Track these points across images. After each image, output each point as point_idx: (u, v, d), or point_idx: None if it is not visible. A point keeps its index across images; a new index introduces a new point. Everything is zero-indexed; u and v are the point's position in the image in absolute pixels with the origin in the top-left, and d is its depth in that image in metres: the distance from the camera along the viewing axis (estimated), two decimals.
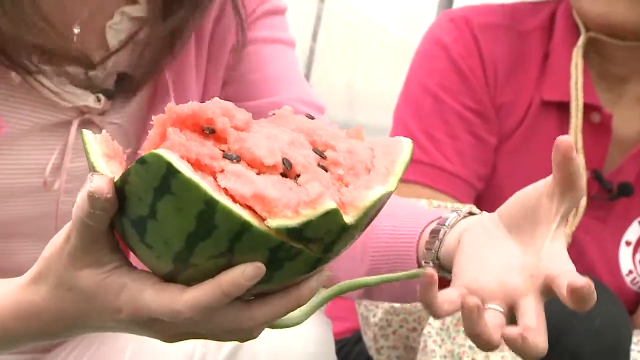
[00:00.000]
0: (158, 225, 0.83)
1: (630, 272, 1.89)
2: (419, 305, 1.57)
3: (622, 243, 1.89)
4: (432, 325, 1.60)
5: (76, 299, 0.90)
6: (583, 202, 1.78)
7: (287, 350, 1.25)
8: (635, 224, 1.89)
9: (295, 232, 0.81)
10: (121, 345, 1.37)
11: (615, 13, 1.71)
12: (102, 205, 0.82)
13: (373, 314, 1.65)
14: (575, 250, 1.83)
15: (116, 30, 1.31)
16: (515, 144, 1.86)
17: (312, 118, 0.98)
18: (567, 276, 1.03)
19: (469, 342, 1.53)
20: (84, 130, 0.88)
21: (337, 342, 1.41)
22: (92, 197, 0.81)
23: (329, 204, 0.81)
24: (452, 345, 1.56)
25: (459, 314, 1.26)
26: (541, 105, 1.85)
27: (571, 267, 1.08)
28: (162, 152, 0.78)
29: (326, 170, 0.89)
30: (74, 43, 1.27)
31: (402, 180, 1.60)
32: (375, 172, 0.91)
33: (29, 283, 0.94)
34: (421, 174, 1.79)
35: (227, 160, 0.84)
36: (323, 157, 0.90)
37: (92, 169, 0.86)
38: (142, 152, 0.82)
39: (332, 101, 3.36)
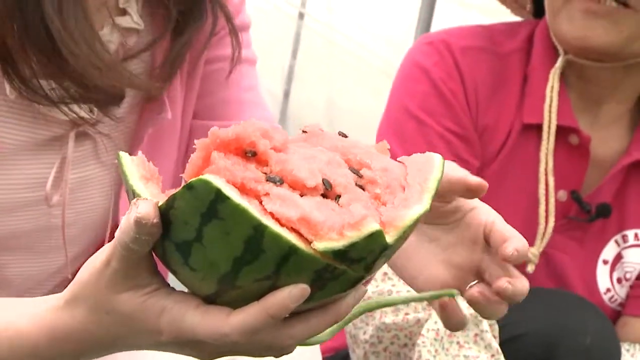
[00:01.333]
0: (204, 249, 0.84)
1: (608, 290, 1.91)
2: (410, 320, 1.60)
3: (600, 262, 1.91)
4: (426, 336, 1.61)
5: (115, 322, 0.92)
6: (551, 224, 1.81)
7: None
8: (611, 243, 1.91)
9: (340, 254, 0.82)
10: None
11: (593, 36, 1.73)
12: (149, 230, 0.83)
13: (363, 331, 1.65)
14: (553, 271, 1.88)
15: (108, 40, 1.32)
16: (498, 167, 1.87)
17: (345, 136, 0.99)
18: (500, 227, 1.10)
19: (463, 352, 1.61)
20: (121, 153, 0.90)
21: None
22: (139, 223, 0.82)
23: (374, 226, 0.82)
24: (445, 356, 1.59)
25: None
26: (522, 129, 1.86)
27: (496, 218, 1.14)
28: (210, 177, 0.80)
29: (363, 189, 0.91)
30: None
31: None
32: (410, 190, 0.93)
33: (63, 306, 0.95)
34: None
35: (270, 184, 0.85)
36: (360, 176, 0.91)
37: (132, 193, 0.87)
38: (186, 177, 0.86)
39: (312, 118, 3.38)
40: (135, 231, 0.83)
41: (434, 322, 1.61)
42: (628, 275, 1.94)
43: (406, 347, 1.65)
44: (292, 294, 0.83)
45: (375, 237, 0.83)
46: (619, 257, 1.94)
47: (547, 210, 1.83)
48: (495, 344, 1.66)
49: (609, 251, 1.93)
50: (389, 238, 0.85)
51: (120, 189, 1.43)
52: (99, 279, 0.90)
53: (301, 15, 3.16)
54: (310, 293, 0.85)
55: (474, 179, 1.09)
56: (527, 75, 1.88)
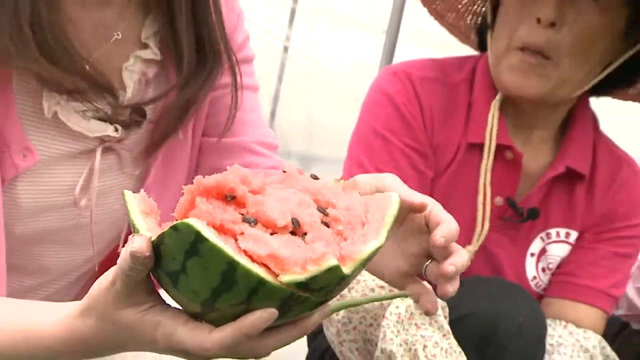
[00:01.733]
0: (188, 279, 0.86)
1: (534, 277, 1.92)
2: (375, 304, 1.62)
3: (528, 255, 1.92)
4: (389, 318, 1.61)
5: (119, 331, 0.93)
6: (486, 227, 1.81)
7: None
8: (538, 239, 1.91)
9: (303, 285, 0.83)
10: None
11: (527, 87, 1.73)
12: (142, 262, 0.84)
13: (336, 313, 1.66)
14: (491, 263, 1.87)
15: (130, 71, 1.32)
16: (447, 179, 1.86)
17: (317, 178, 1.00)
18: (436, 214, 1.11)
19: (420, 332, 1.58)
20: (125, 191, 0.91)
21: None
22: (133, 256, 0.84)
23: (331, 262, 0.83)
24: (406, 335, 1.58)
25: (412, 309, 1.26)
26: (467, 147, 1.86)
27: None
28: (192, 221, 0.81)
29: (328, 226, 0.91)
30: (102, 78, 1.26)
31: None
32: (369, 226, 0.93)
33: (78, 315, 0.96)
34: None
35: (246, 224, 0.86)
36: (326, 215, 0.92)
37: (133, 226, 0.88)
38: (176, 216, 0.87)
39: (294, 135, 3.39)
40: (131, 262, 0.85)
41: (395, 307, 1.61)
42: (550, 266, 1.94)
43: (372, 326, 1.65)
44: (262, 317, 0.85)
45: (333, 271, 0.84)
46: (543, 251, 1.93)
47: (483, 216, 1.83)
48: (446, 325, 1.63)
49: (536, 246, 1.93)
50: (347, 270, 0.87)
51: (138, 191, 1.44)
52: (106, 295, 0.92)
53: (285, 49, 3.13)
54: (278, 315, 0.87)
55: (417, 201, 1.10)
56: (471, 103, 1.88)
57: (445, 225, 1.09)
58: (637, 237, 1.95)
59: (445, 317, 1.65)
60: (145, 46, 1.34)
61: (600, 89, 1.90)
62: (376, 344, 1.63)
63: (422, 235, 1.17)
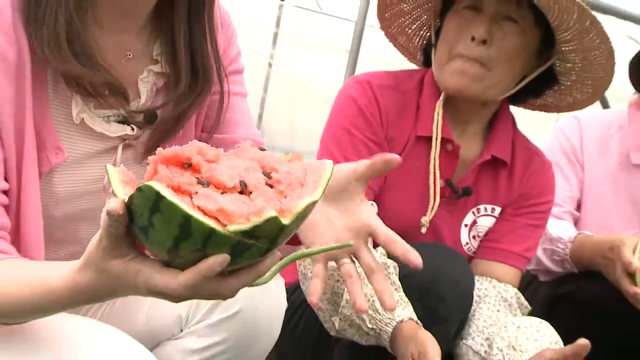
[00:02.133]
0: (154, 232, 0.87)
1: (467, 243, 1.94)
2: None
3: (462, 226, 1.94)
4: None
5: (109, 279, 0.94)
6: (437, 201, 1.84)
7: (259, 294, 1.29)
8: (470, 213, 1.94)
9: (247, 233, 0.85)
10: (141, 300, 1.41)
11: (464, 89, 1.76)
12: (117, 219, 0.87)
13: (310, 270, 1.62)
14: (434, 232, 1.89)
15: (144, 82, 1.32)
16: (400, 164, 1.89)
17: (264, 150, 1.00)
18: (385, 232, 1.22)
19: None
20: (107, 165, 0.93)
21: None
22: (109, 214, 0.87)
23: (270, 213, 0.85)
24: (365, 289, 1.51)
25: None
26: (416, 139, 1.87)
27: (379, 221, 1.26)
28: (152, 183, 0.83)
29: (272, 187, 0.92)
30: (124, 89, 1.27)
31: None
32: (306, 187, 0.94)
33: (78, 270, 0.97)
34: None
35: (200, 185, 0.88)
36: (269, 177, 0.93)
37: (113, 193, 0.90)
38: (143, 182, 0.88)
39: (278, 133, 3.42)
40: (108, 220, 0.87)
41: (357, 266, 1.61)
42: (479, 234, 1.95)
43: (339, 282, 1.64)
44: (216, 260, 0.86)
45: (272, 221, 0.86)
46: (474, 223, 1.95)
47: (435, 193, 1.84)
48: (398, 282, 1.65)
49: (468, 218, 1.95)
50: (286, 220, 0.88)
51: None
52: (97, 252, 0.93)
53: (270, 65, 3.13)
54: (232, 259, 0.88)
55: (388, 157, 1.23)
56: (419, 105, 1.88)
57: (401, 243, 1.22)
58: (545, 211, 1.99)
59: (396, 274, 1.66)
60: (156, 62, 1.34)
61: (517, 98, 1.94)
62: (342, 296, 1.62)
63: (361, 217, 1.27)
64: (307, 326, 1.80)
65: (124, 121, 1.29)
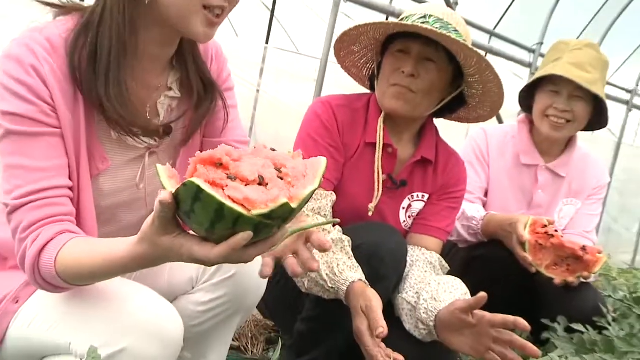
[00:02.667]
0: (195, 216, 0.89)
1: (404, 221, 1.96)
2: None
3: (401, 208, 1.96)
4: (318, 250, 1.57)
5: (161, 251, 0.95)
6: (380, 191, 1.86)
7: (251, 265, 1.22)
8: (406, 199, 1.96)
9: (266, 215, 0.87)
10: (164, 266, 1.41)
11: (399, 109, 1.81)
12: (167, 206, 0.89)
13: None
14: (380, 213, 1.90)
15: (162, 104, 1.32)
16: (352, 163, 1.89)
17: (274, 150, 1.01)
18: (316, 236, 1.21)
19: (335, 256, 1.63)
20: (157, 164, 0.93)
21: None
22: (162, 203, 0.88)
23: (283, 200, 0.88)
24: (326, 257, 1.62)
25: (330, 243, 1.28)
26: (364, 144, 1.89)
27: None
28: (194, 179, 0.85)
29: (282, 179, 0.93)
30: (148, 117, 1.29)
31: None
32: (307, 178, 0.96)
33: (136, 242, 0.98)
34: None
35: (229, 180, 0.89)
36: (280, 172, 0.94)
37: (162, 185, 0.90)
38: (186, 177, 0.88)
39: (266, 142, 3.48)
40: (160, 207, 0.89)
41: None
42: (413, 214, 1.98)
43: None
44: (242, 237, 0.88)
45: (285, 206, 0.88)
46: (409, 206, 1.97)
47: (378, 186, 1.86)
48: (350, 251, 1.67)
49: (405, 203, 1.96)
50: (294, 205, 0.89)
51: None
52: (151, 230, 0.94)
53: (257, 91, 3.10)
54: (253, 236, 0.90)
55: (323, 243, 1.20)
56: (367, 120, 1.91)
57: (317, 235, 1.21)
58: (460, 197, 2.02)
59: (349, 246, 1.68)
60: (170, 89, 1.33)
61: (438, 114, 1.97)
62: None
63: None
64: (286, 284, 1.79)
65: (148, 135, 1.30)
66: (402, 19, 1.83)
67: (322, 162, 1.00)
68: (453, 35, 1.72)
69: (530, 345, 1.43)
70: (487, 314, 1.55)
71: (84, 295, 1.14)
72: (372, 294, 1.53)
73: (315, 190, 0.93)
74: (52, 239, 1.08)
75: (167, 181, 0.91)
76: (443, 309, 1.66)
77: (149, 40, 1.23)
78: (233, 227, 0.88)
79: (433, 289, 1.75)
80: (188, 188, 0.86)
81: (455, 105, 1.96)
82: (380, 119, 1.87)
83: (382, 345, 1.50)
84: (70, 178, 1.16)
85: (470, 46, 1.73)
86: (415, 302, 1.76)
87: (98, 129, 1.22)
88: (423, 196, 2.00)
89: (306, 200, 0.92)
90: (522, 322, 1.46)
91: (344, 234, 1.70)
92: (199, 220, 0.89)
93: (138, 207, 1.37)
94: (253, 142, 3.33)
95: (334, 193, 1.82)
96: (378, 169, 1.87)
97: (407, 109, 1.82)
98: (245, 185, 0.89)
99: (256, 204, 0.87)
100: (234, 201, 0.86)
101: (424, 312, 1.71)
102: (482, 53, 1.87)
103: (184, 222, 0.94)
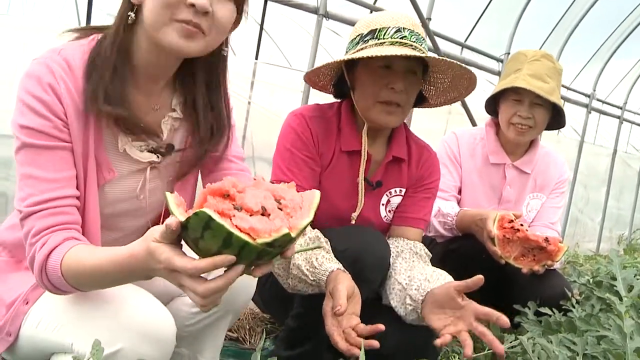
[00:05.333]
0: (203, 242, 0.90)
1: (385, 216, 1.93)
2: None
3: (381, 204, 1.93)
4: (298, 255, 1.61)
5: (145, 253, 0.96)
6: (362, 201, 1.83)
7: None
8: (385, 195, 1.92)
9: (269, 244, 0.89)
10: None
11: (391, 121, 1.77)
12: (172, 231, 0.90)
13: (277, 266, 1.64)
14: (362, 213, 1.86)
15: (165, 124, 1.33)
16: (328, 171, 1.86)
17: (273, 182, 1.03)
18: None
19: (314, 252, 1.60)
20: (166, 193, 0.94)
21: None
22: (167, 226, 0.90)
23: (285, 230, 0.89)
24: (306, 254, 1.61)
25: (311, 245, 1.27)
26: (339, 152, 1.85)
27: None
28: (206, 210, 0.86)
29: (281, 210, 0.95)
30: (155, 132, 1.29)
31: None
32: (304, 209, 0.97)
33: (134, 243, 1.00)
34: None
35: (235, 210, 0.91)
36: (280, 203, 0.96)
37: (170, 212, 0.92)
38: (195, 206, 0.90)
39: (258, 148, 3.46)
40: (166, 230, 0.91)
41: (299, 245, 1.56)
42: (393, 208, 1.95)
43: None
44: (225, 258, 0.89)
45: (286, 235, 0.89)
46: (388, 201, 1.94)
47: (361, 195, 1.84)
48: (330, 248, 1.66)
49: (384, 199, 1.93)
50: (293, 234, 0.91)
51: (170, 192, 1.28)
52: (151, 232, 0.96)
53: (249, 102, 3.17)
54: (255, 260, 0.92)
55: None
56: (341, 128, 1.86)
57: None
58: (434, 187, 1.99)
59: (325, 242, 1.67)
60: (173, 110, 1.34)
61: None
62: (289, 264, 1.62)
63: None
64: (274, 283, 1.77)
65: (152, 151, 1.30)
66: (377, 32, 1.77)
67: (315, 195, 1.01)
68: (424, 46, 1.74)
69: (497, 343, 1.38)
70: (475, 303, 1.53)
71: (86, 298, 1.15)
72: (343, 278, 1.50)
73: (311, 221, 0.95)
74: (59, 245, 1.10)
75: (176, 209, 0.92)
76: (436, 287, 1.61)
77: (145, 60, 1.24)
78: (239, 254, 0.90)
79: (427, 272, 1.71)
80: (200, 217, 0.87)
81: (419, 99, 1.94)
82: (364, 132, 1.83)
83: (354, 323, 1.44)
84: (77, 187, 1.18)
85: (446, 59, 1.72)
86: (407, 283, 1.70)
87: (106, 142, 1.22)
88: (400, 190, 1.97)
89: (303, 230, 0.93)
90: (504, 319, 1.43)
91: (326, 237, 1.68)
92: (207, 246, 0.90)
93: (139, 215, 1.36)
94: (246, 150, 3.29)
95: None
96: (362, 177, 1.84)
97: (398, 122, 1.81)
98: (250, 215, 0.90)
99: (261, 233, 0.88)
100: (241, 230, 0.87)
101: (415, 289, 1.66)
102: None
103: (190, 247, 0.94)
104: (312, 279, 1.57)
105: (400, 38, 1.72)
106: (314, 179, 1.83)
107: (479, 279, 1.51)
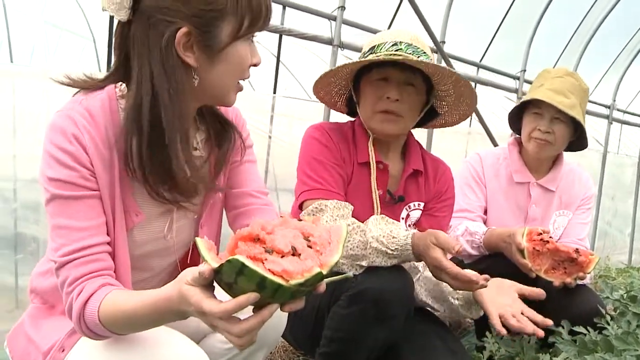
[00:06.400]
0: (237, 286, 0.91)
1: (406, 229, 1.80)
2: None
3: (401, 218, 1.95)
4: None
5: (178, 295, 0.97)
6: (379, 209, 1.86)
7: None
8: (404, 210, 1.95)
9: (301, 284, 0.90)
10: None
11: (388, 131, 1.85)
12: (204, 278, 0.92)
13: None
14: None
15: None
16: (352, 182, 1.89)
17: (300, 220, 1.03)
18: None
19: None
20: (197, 238, 0.95)
21: None
22: (201, 274, 0.92)
23: (316, 270, 0.91)
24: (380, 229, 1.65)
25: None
26: (357, 165, 1.89)
27: None
28: (239, 257, 0.88)
29: (311, 248, 0.96)
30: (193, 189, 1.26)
31: (312, 199, 1.77)
32: (332, 244, 0.98)
33: (167, 285, 1.01)
34: (321, 194, 1.78)
35: (267, 253, 0.92)
36: (309, 241, 0.97)
37: (202, 257, 0.93)
38: (227, 252, 0.92)
39: (279, 179, 3.49)
40: (199, 276, 0.92)
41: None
42: (413, 221, 1.98)
43: (349, 242, 1.64)
44: (249, 297, 0.90)
45: (317, 274, 0.90)
46: (408, 216, 1.97)
47: (376, 203, 1.88)
48: (389, 219, 1.69)
49: (404, 213, 1.96)
50: (324, 271, 0.92)
51: (197, 228, 1.39)
52: (184, 274, 0.98)
53: (270, 137, 3.23)
54: (289, 298, 0.93)
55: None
56: (355, 142, 1.92)
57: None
58: (451, 205, 2.04)
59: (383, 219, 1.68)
60: (196, 149, 1.34)
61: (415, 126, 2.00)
62: (361, 245, 1.64)
63: None
64: (305, 319, 1.80)
65: (176, 201, 1.29)
66: (374, 48, 1.86)
67: (343, 228, 1.02)
68: (423, 58, 1.78)
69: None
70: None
71: (121, 343, 1.16)
72: (431, 231, 1.58)
73: (340, 257, 0.96)
74: (95, 292, 1.11)
75: (207, 254, 0.93)
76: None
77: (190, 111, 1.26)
78: (273, 295, 0.91)
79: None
80: (233, 264, 0.88)
81: (428, 116, 2.00)
82: (370, 141, 1.89)
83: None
84: (107, 233, 1.19)
85: (439, 64, 1.78)
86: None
87: (132, 186, 1.23)
88: (419, 204, 1.99)
89: (333, 267, 0.94)
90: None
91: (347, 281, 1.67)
92: (241, 290, 0.91)
93: (167, 255, 1.37)
94: (269, 182, 3.31)
95: (350, 204, 1.81)
96: (374, 188, 1.88)
97: (396, 130, 1.86)
98: (282, 256, 0.92)
99: (293, 275, 0.89)
100: (273, 273, 0.88)
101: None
102: (472, 84, 1.94)
103: (224, 290, 0.95)
104: (393, 248, 1.60)
105: (396, 50, 1.81)
106: (344, 185, 1.87)
107: (541, 293, 1.71)
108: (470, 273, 1.52)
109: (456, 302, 1.81)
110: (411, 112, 1.86)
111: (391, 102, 1.81)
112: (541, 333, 1.67)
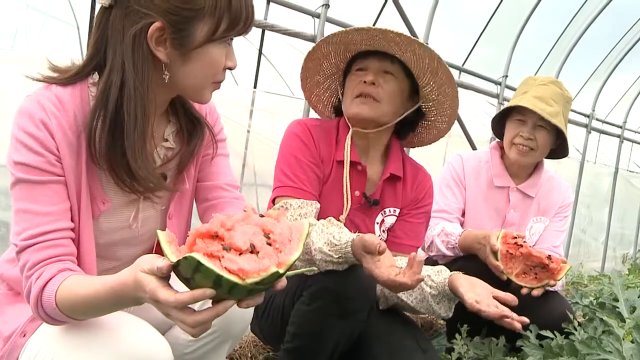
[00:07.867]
0: (194, 282, 0.91)
1: (380, 235, 1.94)
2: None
3: (375, 223, 1.95)
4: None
5: (133, 281, 0.97)
6: (349, 207, 1.85)
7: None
8: (380, 214, 1.95)
9: (257, 283, 0.90)
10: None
11: (364, 112, 1.83)
12: (162, 273, 0.92)
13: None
14: (356, 229, 1.90)
15: (158, 154, 1.33)
16: (330, 180, 1.89)
17: (262, 216, 1.03)
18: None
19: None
20: (158, 231, 0.96)
21: None
22: (159, 269, 0.92)
23: (273, 269, 0.91)
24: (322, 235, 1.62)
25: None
26: (336, 163, 1.89)
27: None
28: (195, 255, 0.87)
29: (270, 245, 0.96)
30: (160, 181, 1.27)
31: (282, 196, 1.70)
32: (293, 242, 0.98)
33: (125, 270, 1.01)
34: (291, 192, 1.79)
35: (225, 251, 0.91)
36: (269, 238, 0.97)
37: (162, 251, 0.93)
38: (186, 249, 0.92)
39: (259, 174, 3.48)
40: (157, 271, 0.92)
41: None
42: (387, 228, 1.98)
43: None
44: (205, 292, 0.90)
45: (274, 273, 0.91)
46: (383, 221, 1.96)
47: (347, 198, 1.86)
48: (338, 223, 1.67)
49: (379, 218, 1.96)
50: (281, 270, 0.92)
51: (165, 219, 1.39)
52: (141, 262, 0.97)
53: (248, 131, 3.12)
54: (246, 295, 0.94)
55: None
56: (337, 139, 1.92)
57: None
58: (428, 211, 2.04)
59: (333, 220, 1.67)
60: (166, 140, 1.35)
61: (402, 133, 2.01)
62: (310, 251, 1.62)
63: None
64: (271, 315, 1.83)
65: (141, 191, 1.29)
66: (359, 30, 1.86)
67: (304, 226, 1.02)
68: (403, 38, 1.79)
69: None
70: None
71: (82, 328, 1.15)
72: (361, 236, 1.52)
73: (299, 256, 0.96)
74: (53, 276, 1.10)
75: (167, 247, 0.93)
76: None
77: (158, 103, 1.27)
78: (229, 293, 0.91)
79: (433, 270, 1.82)
80: (189, 261, 0.88)
81: (415, 121, 2.01)
82: (348, 136, 1.90)
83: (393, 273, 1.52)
84: (72, 219, 1.19)
85: (422, 42, 1.78)
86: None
87: (99, 174, 1.24)
88: (395, 210, 1.99)
89: (292, 265, 0.94)
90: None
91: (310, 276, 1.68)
92: (198, 285, 0.91)
93: (133, 244, 1.37)
94: (246, 177, 3.29)
95: (318, 202, 1.81)
96: (346, 183, 1.87)
97: (371, 114, 1.85)
98: (240, 254, 0.92)
99: (249, 273, 0.89)
100: (230, 271, 0.89)
101: (435, 275, 1.79)
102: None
103: (183, 283, 0.95)
104: (337, 256, 1.58)
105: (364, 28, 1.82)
106: (318, 185, 1.87)
107: (513, 299, 1.69)
108: (400, 279, 1.48)
109: (428, 289, 1.81)
110: (389, 98, 1.86)
111: (367, 86, 1.83)
112: (519, 326, 1.68)
